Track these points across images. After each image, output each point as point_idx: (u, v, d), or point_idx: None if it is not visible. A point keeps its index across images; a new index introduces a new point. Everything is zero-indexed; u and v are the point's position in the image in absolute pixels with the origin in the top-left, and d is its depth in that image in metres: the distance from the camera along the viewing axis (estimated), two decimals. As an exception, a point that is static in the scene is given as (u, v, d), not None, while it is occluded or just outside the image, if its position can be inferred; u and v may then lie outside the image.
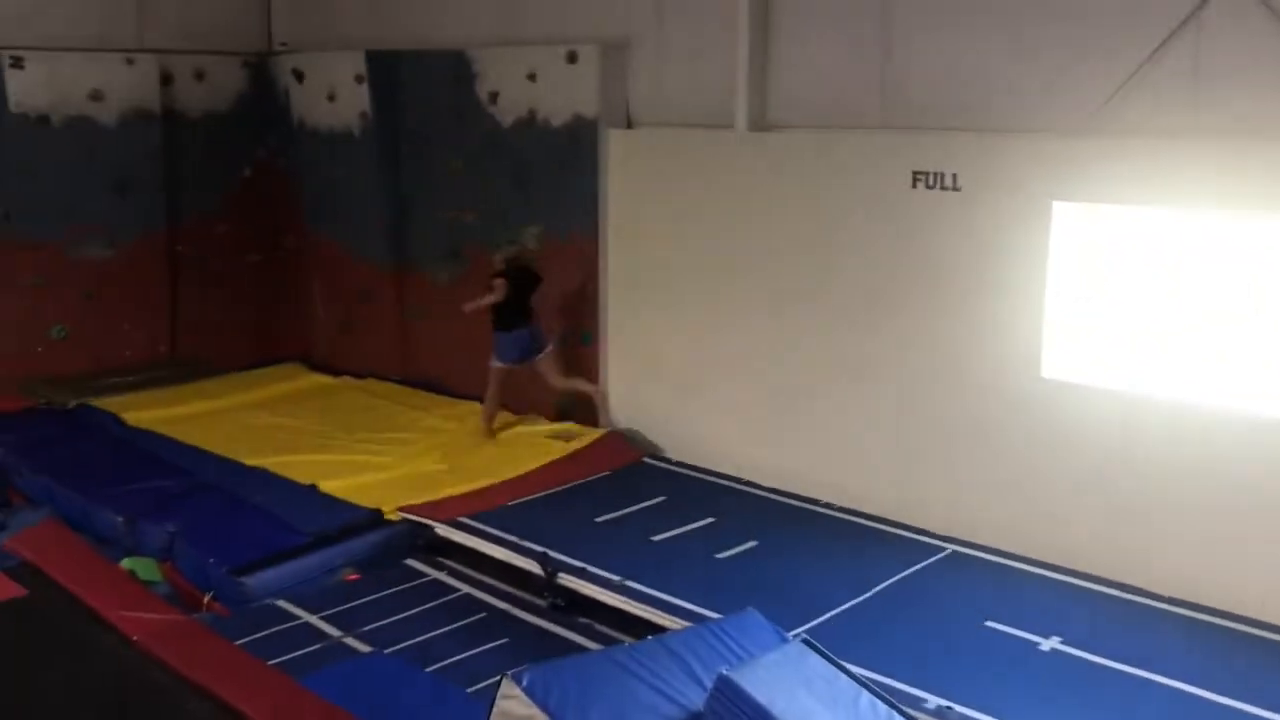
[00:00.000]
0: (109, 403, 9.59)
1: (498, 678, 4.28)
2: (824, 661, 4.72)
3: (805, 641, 4.82)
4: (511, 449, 8.56)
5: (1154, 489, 6.24)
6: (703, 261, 8.26)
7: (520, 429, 9.02)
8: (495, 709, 4.13)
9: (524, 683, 4.12)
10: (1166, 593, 6.11)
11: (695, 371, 8.47)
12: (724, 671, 4.37)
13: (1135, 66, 6.16)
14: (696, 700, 4.45)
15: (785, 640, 5.06)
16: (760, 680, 4.38)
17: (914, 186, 7.01)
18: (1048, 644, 5.67)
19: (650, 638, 4.87)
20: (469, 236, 9.82)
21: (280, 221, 11.53)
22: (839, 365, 7.57)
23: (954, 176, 6.84)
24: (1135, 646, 5.60)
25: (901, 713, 4.61)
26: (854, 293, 7.42)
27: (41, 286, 10.17)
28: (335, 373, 10.81)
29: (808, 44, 7.63)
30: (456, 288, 10.01)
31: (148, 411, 9.39)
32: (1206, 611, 5.95)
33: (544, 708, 4.06)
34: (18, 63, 9.78)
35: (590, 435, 8.75)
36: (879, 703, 4.61)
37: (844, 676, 4.68)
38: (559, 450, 8.42)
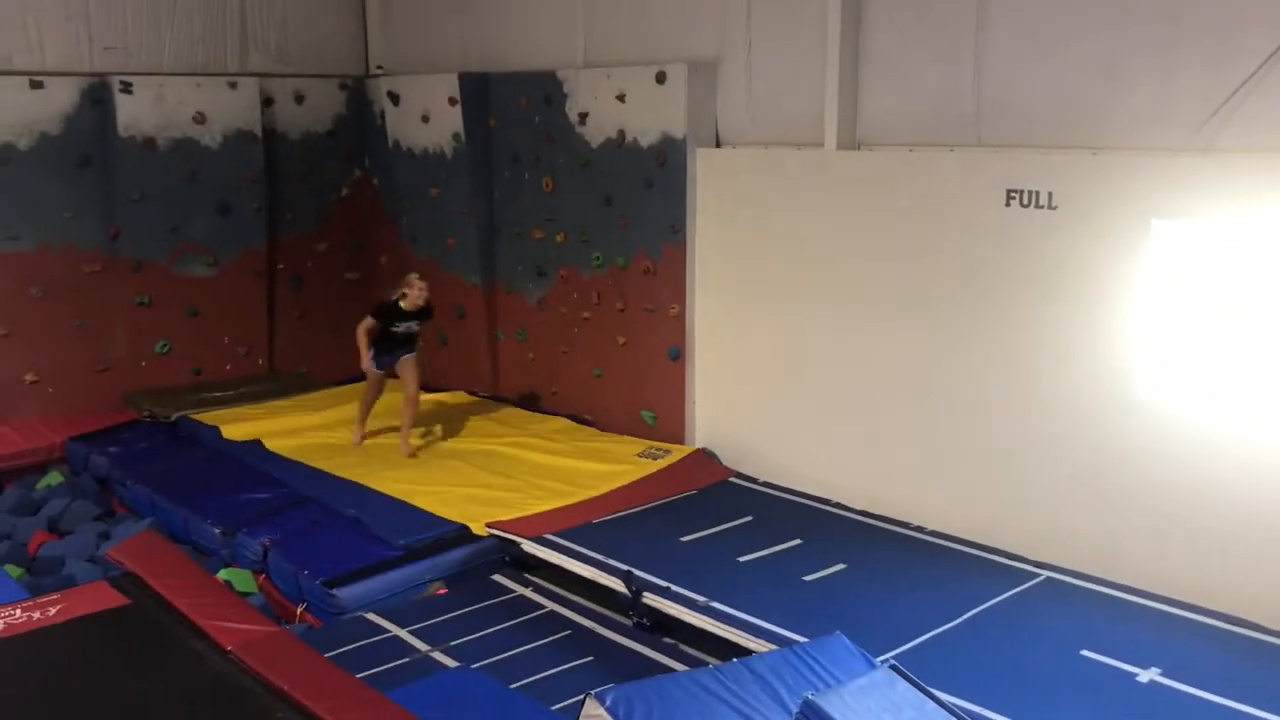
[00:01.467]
0: (209, 416, 9.85)
1: (582, 696, 4.29)
2: (912, 689, 4.64)
3: (893, 667, 4.74)
4: (599, 466, 8.57)
5: (1247, 517, 6.01)
6: (791, 280, 8.20)
7: (609, 446, 9.03)
8: (579, 728, 4.13)
9: (607, 702, 4.12)
10: (1271, 625, 5.88)
11: (783, 390, 8.41)
12: (809, 696, 4.32)
13: (1236, 84, 5.97)
14: (781, 724, 4.41)
15: (873, 666, 4.98)
16: (846, 706, 4.32)
17: (1008, 205, 6.88)
18: (1146, 675, 5.48)
19: (735, 660, 4.83)
20: (558, 256, 9.90)
21: (375, 240, 11.78)
22: (930, 386, 7.45)
23: (1049, 195, 6.70)
24: (1236, 679, 5.39)
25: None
26: (947, 312, 7.30)
27: (147, 305, 10.50)
28: (427, 389, 10.94)
29: (899, 62, 7.55)
30: (545, 307, 10.11)
31: (246, 425, 9.62)
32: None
33: (627, 727, 4.04)
34: (127, 88, 10.12)
35: (677, 453, 8.74)
36: (969, 733, 4.51)
37: (932, 704, 4.59)
38: (646, 468, 8.42)
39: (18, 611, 5.72)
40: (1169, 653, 5.66)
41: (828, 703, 4.26)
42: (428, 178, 10.73)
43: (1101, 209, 6.46)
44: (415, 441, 9.20)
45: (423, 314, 9.01)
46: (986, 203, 6.98)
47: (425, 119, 10.56)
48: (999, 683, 5.38)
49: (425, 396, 10.67)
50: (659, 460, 8.62)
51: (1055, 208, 6.68)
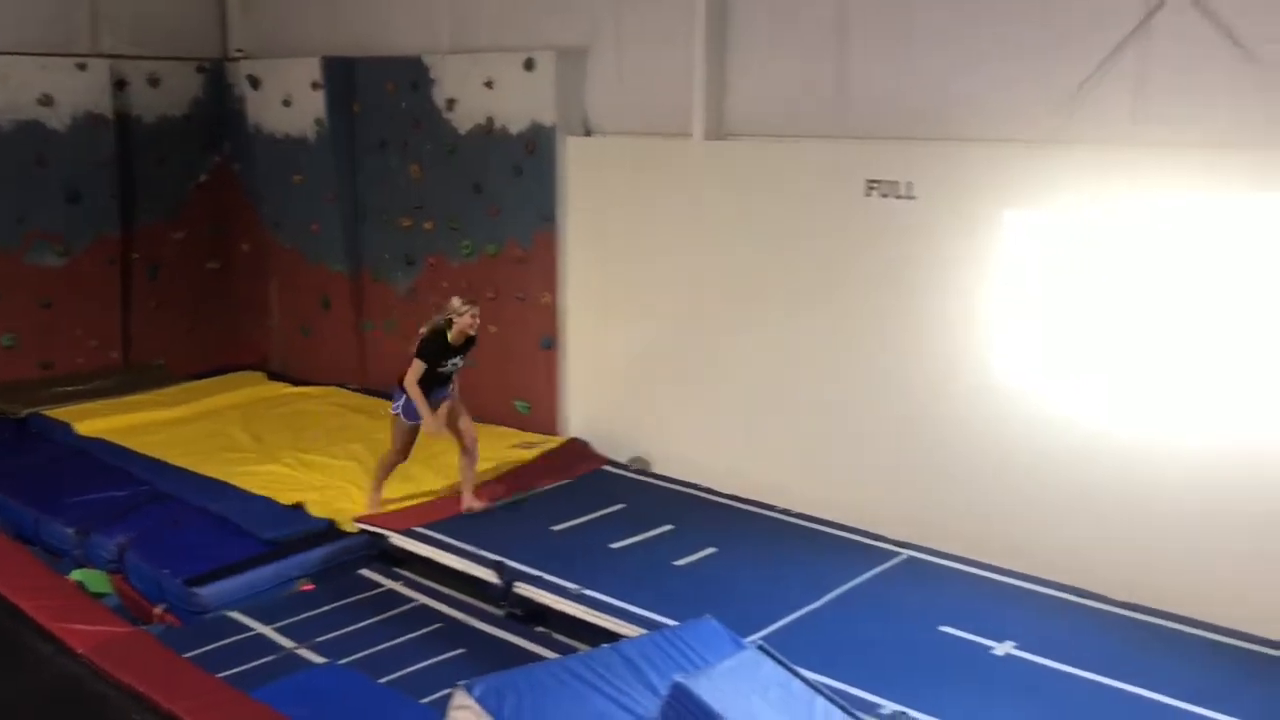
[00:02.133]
0: (61, 412, 9.46)
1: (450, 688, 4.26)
2: (779, 668, 4.73)
3: (760, 648, 4.83)
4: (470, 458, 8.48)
5: (1101, 492, 6.30)
6: (661, 268, 8.26)
7: (482, 437, 8.94)
8: (447, 719, 4.09)
9: (476, 693, 4.09)
10: (1120, 597, 6.16)
11: (654, 378, 8.46)
12: (678, 679, 4.36)
13: (1084, 78, 6.23)
14: (651, 708, 4.45)
15: (742, 647, 5.06)
16: (715, 687, 4.38)
17: (868, 195, 7.05)
18: (1002, 648, 5.69)
19: (605, 646, 4.85)
20: (426, 244, 9.77)
21: (237, 227, 11.45)
22: (795, 372, 7.59)
23: (908, 185, 6.88)
24: (1088, 650, 5.63)
25: (856, 718, 4.62)
26: (811, 299, 7.44)
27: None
28: (294, 381, 10.71)
29: (764, 54, 7.65)
30: (414, 296, 9.97)
31: (100, 420, 9.26)
32: (1158, 615, 6.01)
33: (497, 718, 4.03)
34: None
35: (550, 443, 8.72)
36: (834, 708, 4.62)
37: (798, 682, 4.69)
38: (518, 459, 8.38)
39: None
40: (1024, 626, 5.89)
41: (696, 684, 4.31)
42: (290, 164, 10.47)
43: (958, 199, 6.66)
44: (275, 441, 8.93)
45: (468, 346, 7.39)
46: (847, 192, 7.13)
47: (287, 103, 10.30)
48: (862, 659, 5.52)
49: (291, 389, 10.48)
50: (532, 450, 8.59)
51: (914, 198, 6.86)
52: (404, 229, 9.91)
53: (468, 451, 7.49)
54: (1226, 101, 5.83)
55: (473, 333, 7.24)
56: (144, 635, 5.52)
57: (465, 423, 7.47)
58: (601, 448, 8.72)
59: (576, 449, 8.72)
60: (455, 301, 7.26)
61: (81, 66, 10.25)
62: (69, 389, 10.05)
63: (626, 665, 4.63)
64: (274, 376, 10.94)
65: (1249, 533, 5.83)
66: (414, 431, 7.38)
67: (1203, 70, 5.88)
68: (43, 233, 10.20)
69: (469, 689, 4.09)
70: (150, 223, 10.98)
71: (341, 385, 10.46)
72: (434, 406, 7.22)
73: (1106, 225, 6.14)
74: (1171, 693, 5.25)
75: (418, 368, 7.12)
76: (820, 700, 4.62)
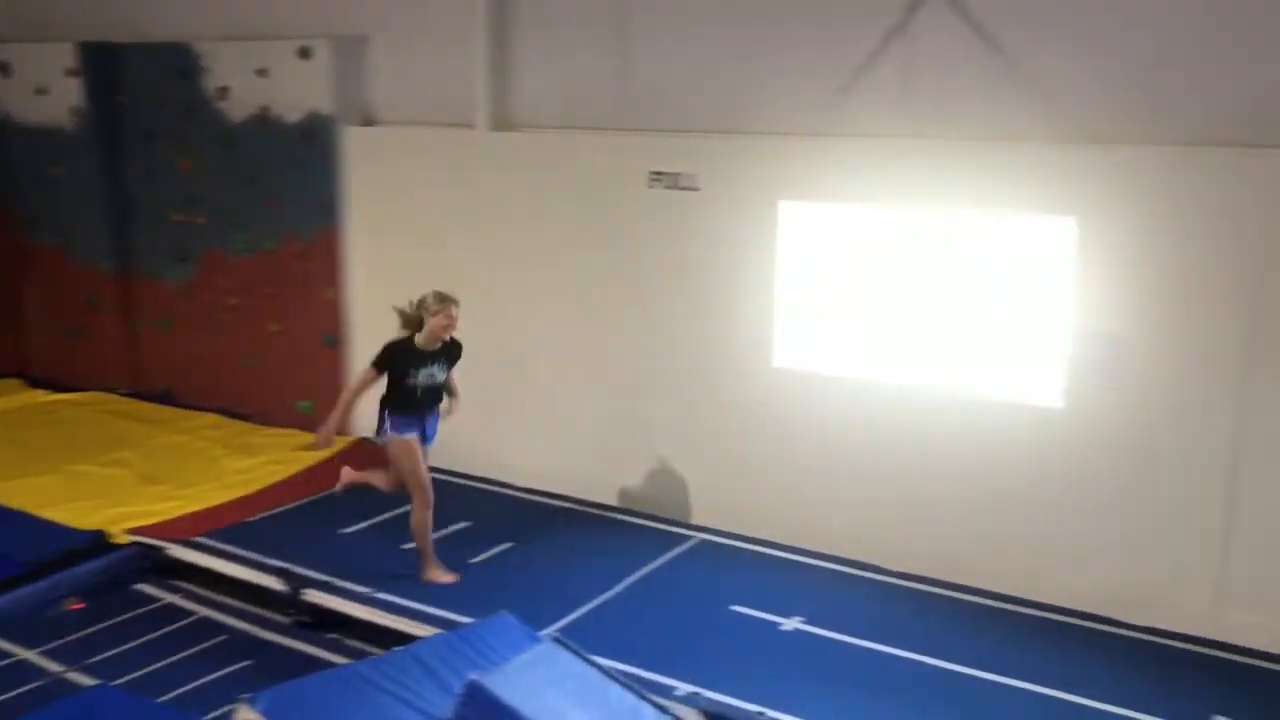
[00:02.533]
0: None
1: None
2: (575, 658, 4.75)
3: (556, 640, 4.83)
4: (254, 461, 8.18)
5: (877, 469, 6.60)
6: (448, 261, 8.08)
7: (265, 440, 8.63)
8: (229, 736, 3.92)
9: (260, 706, 3.94)
10: (896, 569, 6.47)
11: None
12: (472, 677, 4.32)
13: (849, 75, 6.49)
14: (447, 709, 4.38)
15: (538, 641, 5.05)
16: (510, 683, 4.36)
17: (651, 186, 7.14)
18: (790, 624, 5.89)
19: (398, 649, 4.76)
20: (200, 239, 9.32)
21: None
22: (583, 362, 7.63)
23: (691, 176, 7.01)
24: (871, 622, 5.90)
25: (651, 702, 4.68)
26: (597, 290, 7.50)
27: None
28: (58, 388, 10.03)
29: (548, 45, 7.64)
30: (188, 293, 9.51)
31: None
32: (929, 583, 6.35)
33: (282, 730, 3.88)
34: None
35: (338, 443, 8.46)
36: (628, 694, 4.67)
37: (594, 671, 4.72)
38: (304, 461, 8.10)
39: None
40: (811, 603, 6.11)
41: (491, 681, 4.28)
42: (47, 156, 9.78)
43: (736, 190, 6.83)
44: (38, 451, 8.38)
45: (449, 352, 6.37)
46: (632, 183, 7.20)
47: (41, 91, 9.62)
48: (656, 643, 5.61)
49: (55, 396, 9.84)
50: (318, 451, 8.31)
51: (697, 189, 6.99)
52: (176, 224, 9.42)
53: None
54: (980, 95, 6.18)
55: (447, 336, 6.23)
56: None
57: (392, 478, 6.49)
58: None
59: (363, 449, 8.48)
60: (427, 296, 6.23)
61: None
62: None
63: (420, 667, 4.56)
64: (35, 383, 10.22)
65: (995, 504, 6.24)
66: (415, 450, 6.29)
67: (959, 65, 6.21)
68: None
69: (252, 702, 3.92)
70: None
71: (111, 390, 9.87)
72: (419, 437, 6.29)
73: (875, 214, 6.42)
74: (944, 656, 5.56)
75: (366, 376, 6.19)
76: (615, 687, 4.67)
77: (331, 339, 8.72)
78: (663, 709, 4.69)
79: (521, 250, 7.77)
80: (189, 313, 9.55)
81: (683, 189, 7.03)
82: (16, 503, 7.31)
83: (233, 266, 9.15)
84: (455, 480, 7.95)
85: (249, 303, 9.11)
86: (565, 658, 4.71)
